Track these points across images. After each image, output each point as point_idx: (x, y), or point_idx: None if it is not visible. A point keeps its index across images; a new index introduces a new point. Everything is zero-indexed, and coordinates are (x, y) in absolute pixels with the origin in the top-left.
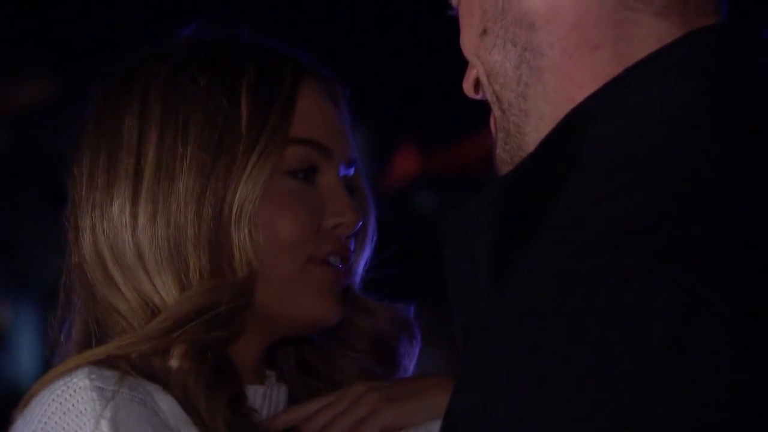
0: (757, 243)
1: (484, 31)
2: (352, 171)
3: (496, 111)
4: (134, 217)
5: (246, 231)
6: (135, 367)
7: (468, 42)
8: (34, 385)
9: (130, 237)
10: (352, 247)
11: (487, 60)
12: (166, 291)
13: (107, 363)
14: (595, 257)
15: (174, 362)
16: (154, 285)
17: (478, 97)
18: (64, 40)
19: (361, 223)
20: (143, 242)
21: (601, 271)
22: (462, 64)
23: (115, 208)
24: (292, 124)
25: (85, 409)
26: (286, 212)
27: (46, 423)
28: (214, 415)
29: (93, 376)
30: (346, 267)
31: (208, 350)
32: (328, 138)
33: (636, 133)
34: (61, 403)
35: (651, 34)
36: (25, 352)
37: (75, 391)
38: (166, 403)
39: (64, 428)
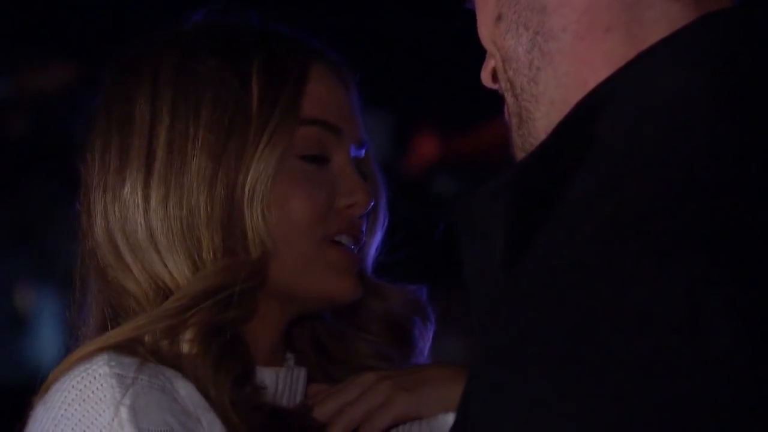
0: (765, 226)
1: (499, 17)
2: (362, 153)
3: (509, 97)
4: (146, 199)
5: (259, 211)
6: (154, 353)
7: (484, 29)
8: (53, 371)
9: (143, 219)
10: (363, 228)
11: (502, 45)
12: (178, 272)
13: (126, 349)
14: (607, 243)
15: (185, 343)
16: (166, 266)
17: (496, 86)
18: (83, 25)
19: (373, 203)
20: (155, 224)
21: (613, 257)
22: (481, 50)
23: (127, 191)
24: (302, 105)
25: (105, 396)
26: (299, 192)
27: (66, 410)
28: (220, 393)
29: (112, 362)
30: (358, 248)
31: (219, 331)
32: (338, 119)
33: (647, 119)
34: (80, 390)
35: (663, 17)
36: (48, 336)
37: (94, 378)
38: (186, 389)
39: (84, 415)
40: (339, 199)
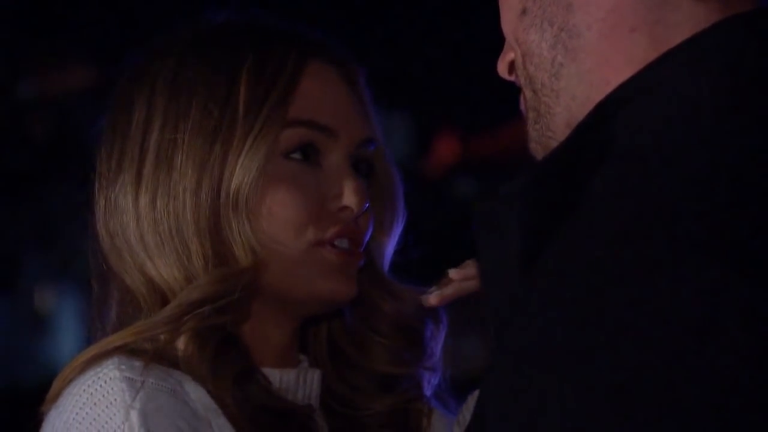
0: None
1: (523, 11)
2: (369, 150)
3: (527, 92)
4: (136, 203)
5: (244, 216)
6: (163, 356)
7: (508, 23)
8: (59, 375)
9: (134, 223)
10: (369, 229)
11: (525, 40)
12: (168, 274)
13: (136, 352)
14: (625, 246)
15: (182, 346)
16: (159, 271)
17: (512, 78)
18: (105, 27)
19: (367, 205)
20: (145, 228)
21: (629, 261)
22: (501, 50)
23: (121, 195)
24: (291, 106)
25: (115, 399)
26: (284, 195)
27: (77, 414)
28: (221, 391)
29: (123, 366)
30: (356, 248)
31: (214, 331)
32: (333, 119)
33: (668, 121)
34: (91, 394)
35: (689, 19)
36: (68, 337)
37: (105, 381)
38: (196, 393)
39: (95, 419)
40: (331, 201)
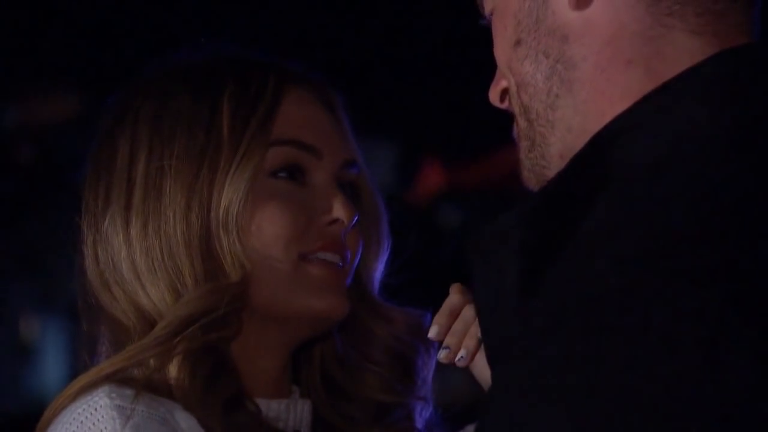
0: None
1: (518, 42)
2: (353, 172)
3: (521, 121)
4: (127, 234)
5: (234, 234)
6: (154, 385)
7: (501, 52)
8: (51, 405)
9: (125, 253)
10: (359, 247)
11: (519, 71)
12: (160, 300)
13: (127, 381)
14: (623, 278)
15: (173, 371)
16: (149, 296)
17: (504, 106)
18: (89, 56)
19: (356, 218)
20: (137, 256)
21: (628, 293)
22: (487, 80)
23: (110, 229)
24: (274, 126)
25: (106, 427)
26: (272, 211)
27: None
28: (211, 418)
29: (113, 394)
30: (344, 264)
31: (205, 355)
32: (316, 139)
33: (664, 153)
34: (82, 422)
35: (685, 53)
36: (52, 366)
37: (95, 410)
38: (187, 422)
39: None
40: (320, 217)
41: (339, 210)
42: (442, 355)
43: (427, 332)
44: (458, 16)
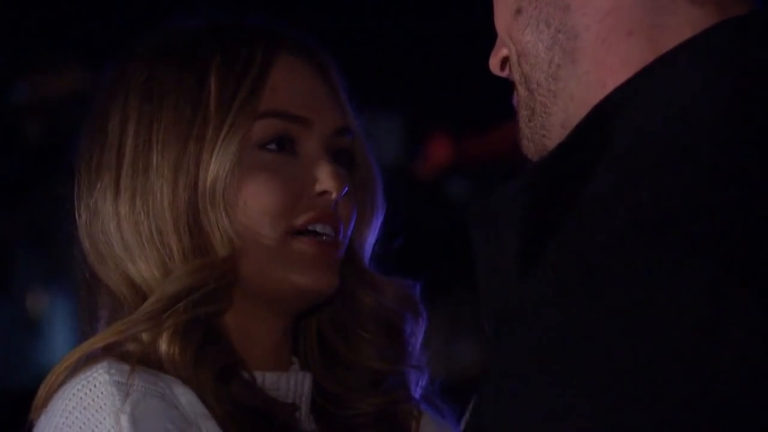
0: None
1: (518, 11)
2: (346, 138)
3: (522, 90)
4: (116, 207)
5: (221, 208)
6: (150, 360)
7: (501, 21)
8: (45, 381)
9: (115, 226)
10: (352, 217)
11: (519, 40)
12: (150, 274)
13: (126, 357)
14: (622, 249)
15: (164, 346)
16: (140, 272)
17: (504, 74)
18: (97, 30)
19: (346, 189)
20: (126, 230)
21: (627, 264)
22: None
23: (100, 201)
24: (262, 98)
25: (105, 404)
26: (259, 185)
27: (67, 418)
28: (203, 389)
29: (112, 370)
30: (335, 236)
31: (195, 328)
32: (305, 109)
33: (664, 123)
34: (81, 398)
35: (686, 23)
36: (61, 340)
37: (95, 386)
38: (186, 397)
39: (84, 423)
40: (310, 188)
41: (327, 181)
42: None
43: (416, 302)
44: None
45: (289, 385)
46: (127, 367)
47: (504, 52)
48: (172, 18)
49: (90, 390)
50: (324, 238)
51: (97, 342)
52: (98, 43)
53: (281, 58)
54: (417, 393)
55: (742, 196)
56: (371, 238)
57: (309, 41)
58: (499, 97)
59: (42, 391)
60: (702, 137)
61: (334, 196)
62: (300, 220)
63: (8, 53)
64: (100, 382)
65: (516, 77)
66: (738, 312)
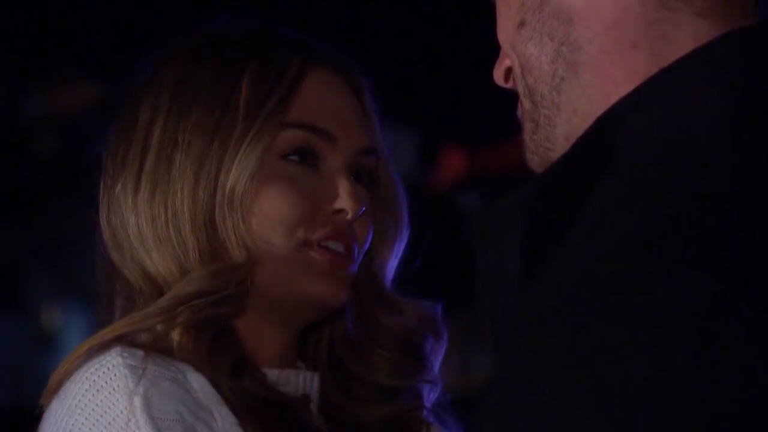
0: None
1: (522, 23)
2: (371, 158)
3: (526, 103)
4: (135, 200)
5: (239, 213)
6: (162, 348)
7: (504, 33)
8: (57, 370)
9: (134, 219)
10: (368, 237)
11: (523, 53)
12: (165, 270)
13: (138, 344)
14: (624, 261)
15: (176, 336)
16: (156, 266)
17: (509, 86)
18: (112, 44)
19: (363, 209)
20: (143, 224)
21: (629, 275)
22: None
23: (121, 193)
24: (290, 109)
25: (118, 386)
26: (277, 195)
27: (80, 400)
28: (219, 377)
29: (125, 354)
30: (348, 253)
31: (208, 324)
32: (332, 125)
33: (668, 135)
34: (94, 381)
35: (690, 35)
36: None
37: (108, 369)
38: (198, 382)
39: (98, 404)
40: (327, 204)
41: (344, 200)
42: None
43: (437, 323)
44: (480, 0)
45: (299, 381)
46: (140, 352)
47: (507, 62)
48: (205, 22)
49: (103, 372)
50: (337, 252)
51: (109, 333)
52: (111, 57)
53: (315, 71)
54: (427, 404)
55: (744, 210)
56: (393, 259)
57: (345, 59)
58: (513, 110)
59: (54, 378)
60: (705, 150)
61: (350, 216)
62: (315, 235)
63: (21, 67)
64: (113, 365)
65: (520, 89)
66: (738, 322)
